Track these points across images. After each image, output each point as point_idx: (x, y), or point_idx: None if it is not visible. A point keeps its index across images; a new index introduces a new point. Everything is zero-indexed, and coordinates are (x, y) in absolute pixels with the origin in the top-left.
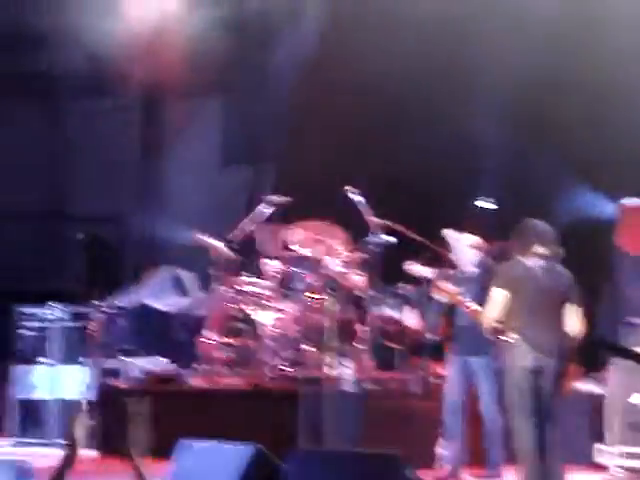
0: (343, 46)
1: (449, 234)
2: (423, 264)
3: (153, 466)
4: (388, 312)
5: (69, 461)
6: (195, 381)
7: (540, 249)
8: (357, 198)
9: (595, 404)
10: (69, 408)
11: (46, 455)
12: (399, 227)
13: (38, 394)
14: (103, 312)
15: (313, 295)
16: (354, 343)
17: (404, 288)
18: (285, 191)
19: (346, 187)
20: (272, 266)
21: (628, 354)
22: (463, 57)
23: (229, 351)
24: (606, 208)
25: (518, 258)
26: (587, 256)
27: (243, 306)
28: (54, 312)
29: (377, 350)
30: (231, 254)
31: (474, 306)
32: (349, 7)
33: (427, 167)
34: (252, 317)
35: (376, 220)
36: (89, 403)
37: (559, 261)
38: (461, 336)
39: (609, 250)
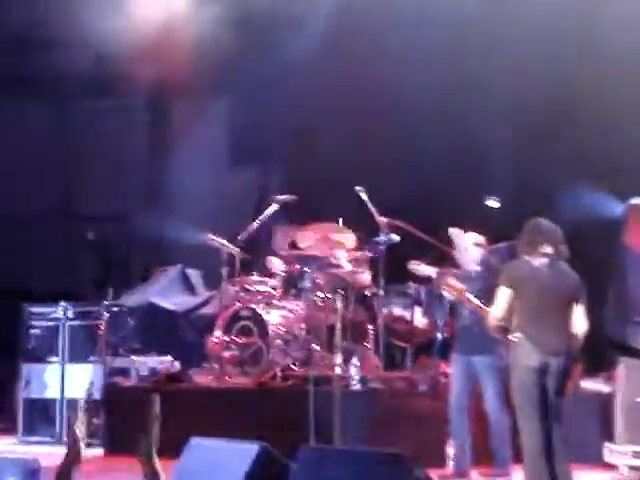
0: (351, 46)
1: (454, 233)
2: (428, 263)
3: (161, 465)
4: (397, 311)
5: (73, 459)
6: (203, 380)
7: (547, 249)
8: (366, 197)
9: (604, 403)
10: (79, 407)
11: (54, 453)
12: (408, 226)
13: (47, 393)
14: (112, 311)
15: (322, 294)
16: (363, 342)
17: (413, 287)
18: (293, 191)
19: (356, 187)
20: (281, 265)
21: (637, 353)
22: (472, 59)
23: (238, 350)
24: (614, 208)
25: (524, 258)
26: (595, 256)
27: (252, 305)
28: (63, 311)
29: (386, 349)
30: (241, 253)
31: (479, 304)
32: (356, 7)
33: (436, 166)
34: (261, 316)
35: (385, 220)
36: (96, 401)
37: (566, 261)
38: (464, 335)
39: (617, 250)
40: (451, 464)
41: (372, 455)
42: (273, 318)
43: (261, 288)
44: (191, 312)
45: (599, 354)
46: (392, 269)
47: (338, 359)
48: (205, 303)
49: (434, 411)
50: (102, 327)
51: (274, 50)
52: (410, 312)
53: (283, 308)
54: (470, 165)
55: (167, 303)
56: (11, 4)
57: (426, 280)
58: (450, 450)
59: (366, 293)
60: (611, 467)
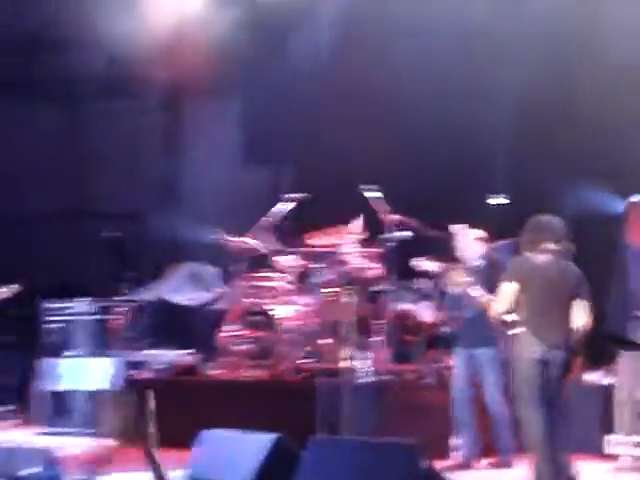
0: (360, 46)
1: (456, 228)
2: (430, 259)
3: (176, 456)
4: (404, 306)
5: (107, 454)
6: (216, 373)
7: (549, 245)
8: (373, 196)
9: (605, 395)
10: (96, 399)
11: (72, 444)
12: (414, 223)
13: (65, 385)
14: (127, 306)
15: (331, 289)
16: (371, 336)
17: (420, 282)
18: (304, 189)
19: (362, 186)
20: (291, 261)
21: (637, 346)
22: (475, 64)
23: (250, 344)
24: (615, 206)
25: (528, 254)
26: (597, 252)
27: (263, 300)
28: (80, 307)
29: (394, 343)
30: (258, 249)
31: (485, 296)
32: (366, 7)
33: (441, 167)
34: (271, 311)
35: (392, 217)
36: (114, 394)
37: (569, 257)
38: (466, 328)
39: (618, 246)
40: (456, 455)
41: (379, 445)
42: (284, 313)
43: (272, 284)
44: (204, 307)
45: (600, 348)
46: (402, 265)
47: (348, 352)
48: (218, 298)
49: (440, 403)
50: (118, 322)
51: (286, 53)
52: (419, 307)
53: (294, 303)
54: (474, 165)
55: (181, 298)
56: (25, 6)
57: (434, 276)
58: (455, 441)
59: (376, 289)
60: (611, 457)
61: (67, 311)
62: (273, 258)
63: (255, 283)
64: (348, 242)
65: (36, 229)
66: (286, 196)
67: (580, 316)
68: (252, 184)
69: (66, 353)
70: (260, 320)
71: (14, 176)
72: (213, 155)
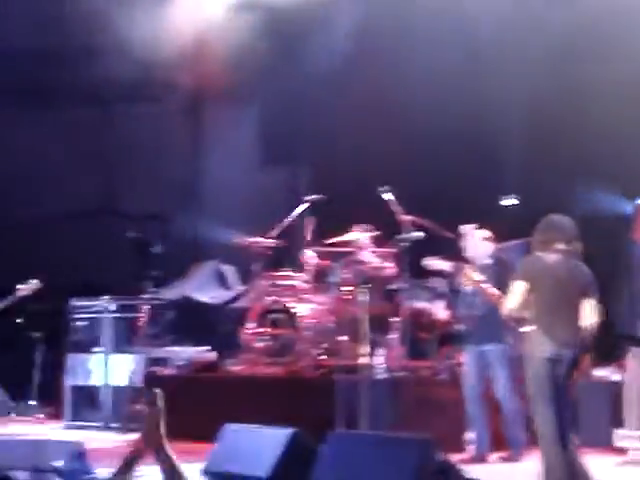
0: (375, 52)
1: (465, 229)
2: (442, 259)
3: (195, 449)
4: (420, 304)
5: (141, 450)
6: (237, 369)
7: (560, 245)
8: (390, 197)
9: (615, 391)
10: (121, 394)
11: (98, 437)
12: (427, 224)
13: (91, 380)
14: (151, 304)
15: (348, 288)
16: (388, 333)
17: (435, 281)
18: (320, 190)
19: (379, 188)
20: (310, 260)
21: None
22: (486, 70)
23: (269, 341)
24: (625, 207)
25: (539, 254)
26: (606, 252)
27: (283, 298)
28: (106, 305)
29: (410, 340)
30: (277, 248)
31: (497, 293)
32: (382, 12)
33: (455, 169)
34: (291, 309)
35: (407, 218)
36: (137, 389)
37: (579, 257)
38: (476, 325)
39: (627, 246)
40: (470, 449)
41: (395, 439)
42: (303, 311)
43: (291, 282)
44: (226, 305)
45: (610, 345)
46: (415, 264)
47: (364, 349)
48: (239, 297)
49: (454, 398)
50: (142, 319)
51: (303, 59)
52: (433, 305)
53: (312, 301)
54: (486, 168)
55: (203, 297)
56: (54, 14)
57: (448, 275)
58: (469, 436)
59: (391, 287)
60: (621, 451)
61: (93, 309)
62: (293, 257)
63: (275, 282)
64: (364, 242)
65: (64, 228)
66: (304, 197)
67: (589, 315)
68: (270, 186)
69: (92, 349)
70: (280, 318)
71: (43, 177)
72: (232, 158)
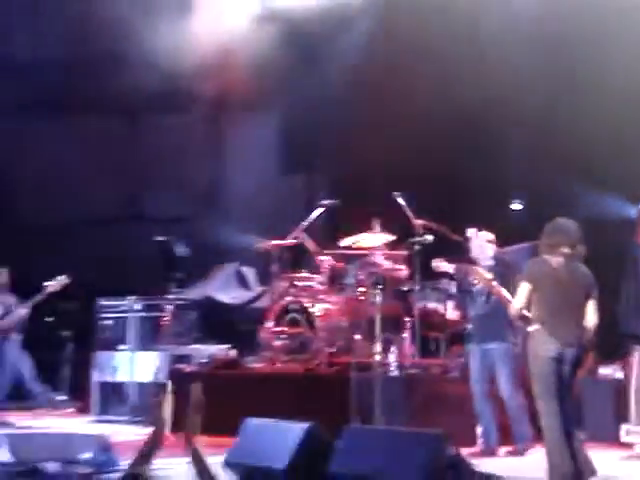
0: (391, 56)
1: (470, 232)
2: (449, 261)
3: (217, 442)
4: (431, 305)
5: (157, 441)
6: (257, 366)
7: (565, 249)
8: (403, 202)
9: (621, 388)
10: (146, 390)
11: (124, 431)
12: (440, 228)
13: (118, 377)
14: (175, 304)
15: (363, 289)
16: (400, 333)
17: (446, 283)
18: (337, 195)
19: (394, 193)
20: (326, 262)
21: None
22: (493, 74)
23: (287, 339)
24: (628, 210)
25: (545, 257)
26: (610, 254)
27: (300, 299)
28: (132, 304)
29: (421, 339)
30: (296, 250)
31: (505, 292)
32: (399, 24)
33: (465, 175)
34: (308, 309)
35: (420, 221)
36: (162, 385)
37: (581, 259)
38: (479, 323)
39: (631, 249)
40: (480, 443)
41: (409, 434)
42: (319, 310)
43: (308, 284)
44: (246, 305)
45: (614, 344)
46: (426, 266)
47: (378, 348)
48: (258, 297)
49: (464, 394)
50: (166, 319)
51: (322, 69)
52: (443, 305)
53: (328, 302)
54: (496, 174)
55: (225, 297)
56: (85, 29)
57: (453, 276)
58: (479, 430)
59: (403, 288)
60: (627, 446)
61: (120, 308)
62: (316, 258)
63: (293, 283)
64: (378, 245)
65: (93, 231)
66: (320, 202)
67: (591, 315)
68: (289, 191)
69: (119, 347)
70: (298, 317)
71: (75, 184)
72: (253, 165)
